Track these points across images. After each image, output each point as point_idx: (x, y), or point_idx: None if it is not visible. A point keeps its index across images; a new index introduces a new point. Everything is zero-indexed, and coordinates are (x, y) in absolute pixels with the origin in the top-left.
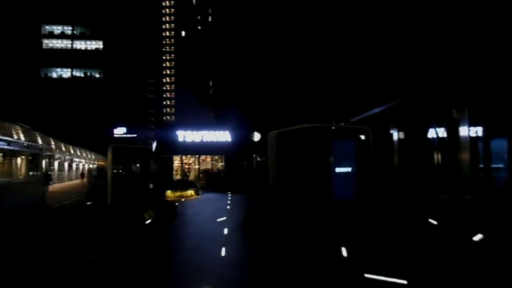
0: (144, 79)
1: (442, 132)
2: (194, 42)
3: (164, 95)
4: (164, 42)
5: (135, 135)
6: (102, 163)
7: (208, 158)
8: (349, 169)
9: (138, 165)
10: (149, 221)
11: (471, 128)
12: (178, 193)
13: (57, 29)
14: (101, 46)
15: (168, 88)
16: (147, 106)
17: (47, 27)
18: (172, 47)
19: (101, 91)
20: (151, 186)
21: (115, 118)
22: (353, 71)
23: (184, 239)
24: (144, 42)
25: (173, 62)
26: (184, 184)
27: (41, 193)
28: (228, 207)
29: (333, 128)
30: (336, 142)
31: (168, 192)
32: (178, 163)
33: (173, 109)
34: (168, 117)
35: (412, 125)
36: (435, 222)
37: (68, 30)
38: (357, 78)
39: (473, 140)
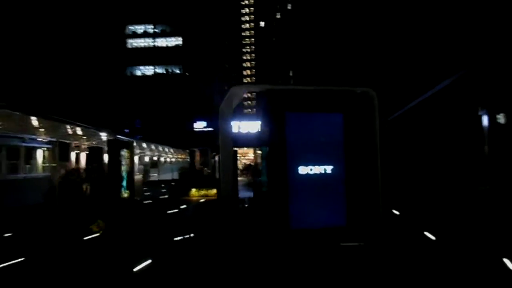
0: (224, 72)
1: None
2: (273, 32)
3: None
4: (243, 34)
5: (211, 129)
6: (183, 157)
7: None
8: (327, 168)
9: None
10: (96, 234)
11: None
12: (203, 192)
13: (140, 29)
14: (181, 43)
15: (249, 81)
16: None
17: (130, 27)
18: (252, 39)
19: (182, 86)
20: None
21: (195, 113)
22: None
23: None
24: (223, 35)
25: (253, 54)
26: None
27: (45, 190)
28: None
29: (294, 90)
30: (299, 117)
31: (193, 191)
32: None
33: (253, 101)
34: (249, 110)
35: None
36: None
37: (149, 28)
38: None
39: None
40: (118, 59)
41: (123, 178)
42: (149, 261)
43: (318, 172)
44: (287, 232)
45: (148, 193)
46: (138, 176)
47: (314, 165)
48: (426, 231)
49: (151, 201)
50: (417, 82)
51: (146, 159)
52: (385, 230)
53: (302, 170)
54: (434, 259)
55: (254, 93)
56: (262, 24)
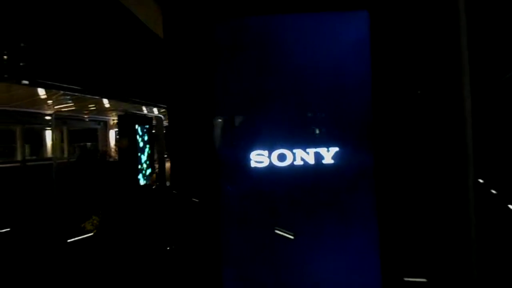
0: None
1: None
2: None
3: None
4: None
5: None
6: None
7: None
8: (325, 154)
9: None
10: (88, 234)
11: None
12: None
13: None
14: None
15: None
16: None
17: None
18: None
19: None
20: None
21: None
22: None
23: None
24: None
25: None
26: None
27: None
28: None
29: None
30: (248, 30)
31: None
32: None
33: None
34: None
35: None
36: None
37: None
38: None
39: None
40: None
41: (141, 160)
42: None
43: (299, 164)
44: None
45: None
46: None
47: (288, 147)
48: None
49: None
50: None
51: None
52: None
53: (258, 160)
54: None
55: None
56: None
